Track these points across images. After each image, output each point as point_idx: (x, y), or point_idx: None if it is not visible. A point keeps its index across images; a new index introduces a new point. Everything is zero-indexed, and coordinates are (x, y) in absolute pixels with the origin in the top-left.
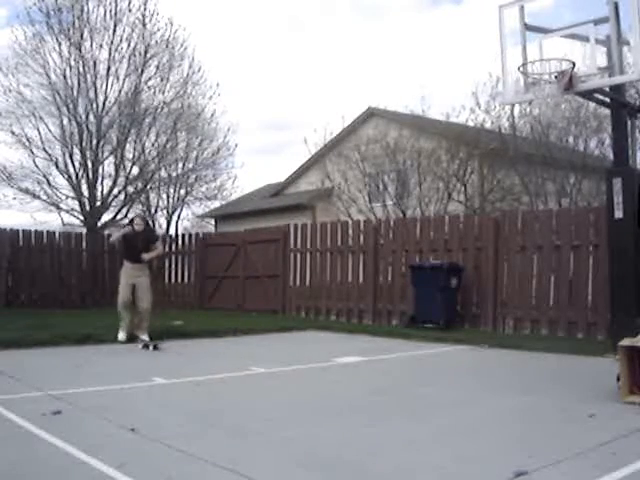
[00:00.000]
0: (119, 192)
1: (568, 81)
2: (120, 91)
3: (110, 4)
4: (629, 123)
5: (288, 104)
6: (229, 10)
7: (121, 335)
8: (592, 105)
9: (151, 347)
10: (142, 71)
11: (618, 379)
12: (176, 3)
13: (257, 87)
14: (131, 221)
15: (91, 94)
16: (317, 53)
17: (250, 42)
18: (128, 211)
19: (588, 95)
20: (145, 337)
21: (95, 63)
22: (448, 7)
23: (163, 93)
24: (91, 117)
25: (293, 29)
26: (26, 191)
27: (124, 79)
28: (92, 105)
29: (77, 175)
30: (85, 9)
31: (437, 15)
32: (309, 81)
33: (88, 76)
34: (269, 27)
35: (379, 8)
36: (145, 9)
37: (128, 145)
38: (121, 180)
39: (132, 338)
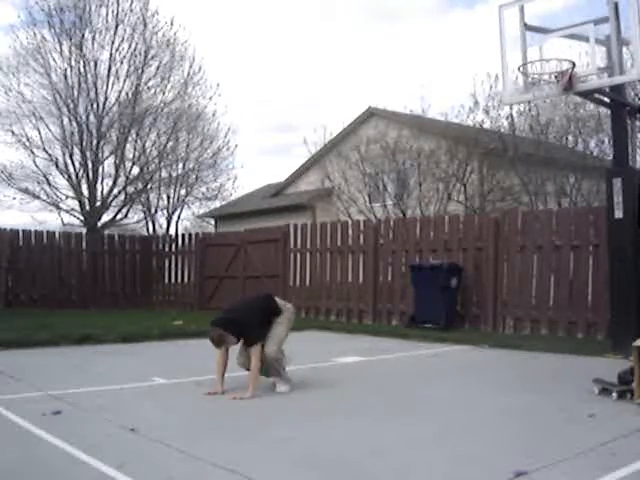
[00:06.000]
0: (119, 192)
1: (568, 81)
2: (120, 91)
3: (112, 4)
4: (629, 123)
5: (295, 105)
6: (232, 12)
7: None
8: (590, 104)
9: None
10: (142, 71)
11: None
12: (177, 3)
13: (264, 89)
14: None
15: (92, 94)
16: (319, 54)
17: (254, 43)
18: (128, 211)
19: (588, 95)
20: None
21: (96, 63)
22: (460, 12)
23: (163, 93)
24: (91, 117)
25: (295, 29)
26: (26, 191)
27: (125, 79)
28: (92, 105)
29: (77, 175)
30: (87, 9)
31: (448, 20)
32: (314, 82)
33: (89, 76)
34: (271, 28)
35: (386, 12)
36: (146, 10)
37: (128, 145)
38: (121, 180)
39: None
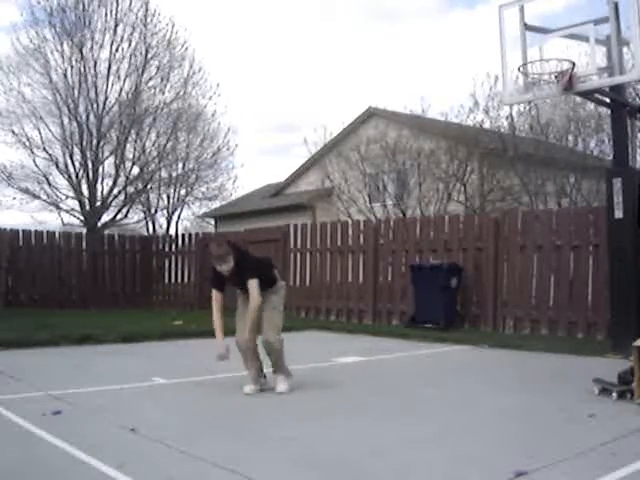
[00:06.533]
0: (119, 192)
1: (568, 81)
2: (121, 91)
3: (112, 4)
4: (629, 123)
5: (295, 105)
6: (233, 12)
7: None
8: (590, 104)
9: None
10: (143, 71)
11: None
12: (177, 3)
13: (264, 89)
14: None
15: (92, 94)
16: (319, 54)
17: (254, 43)
18: (128, 211)
19: (588, 95)
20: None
21: (96, 63)
22: (461, 12)
23: (163, 93)
24: (91, 117)
25: (295, 29)
26: (26, 191)
27: (125, 79)
28: (93, 105)
29: (77, 175)
30: (88, 9)
31: (449, 20)
32: (314, 82)
33: (89, 76)
34: (271, 28)
35: (386, 12)
36: (146, 9)
37: (128, 145)
38: (121, 180)
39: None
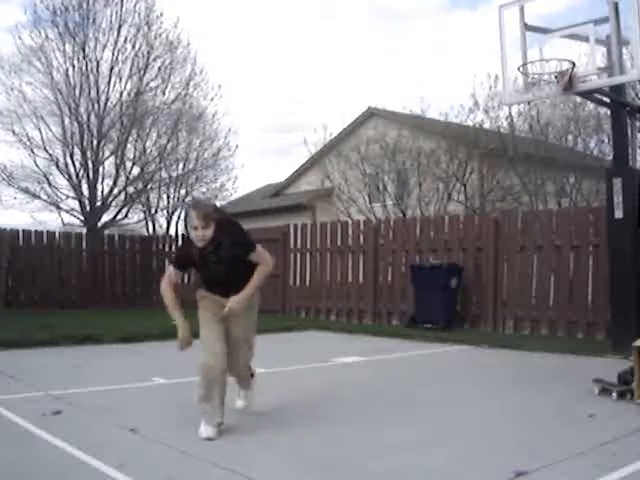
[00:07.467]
0: (119, 192)
1: (568, 81)
2: (122, 92)
3: (117, 5)
4: (629, 123)
5: (298, 106)
6: (234, 12)
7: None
8: (590, 104)
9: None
10: (144, 72)
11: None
12: (180, 4)
13: (265, 89)
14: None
15: (93, 94)
16: (319, 54)
17: (255, 44)
18: (128, 211)
19: (588, 95)
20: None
21: (98, 63)
22: (462, 13)
23: (164, 94)
24: (92, 117)
25: (295, 29)
26: (26, 191)
27: (127, 80)
28: (94, 105)
29: (77, 175)
30: (92, 9)
31: (450, 21)
32: (316, 82)
33: (91, 76)
34: (272, 29)
35: (387, 12)
36: (152, 11)
37: (129, 145)
38: (121, 180)
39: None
